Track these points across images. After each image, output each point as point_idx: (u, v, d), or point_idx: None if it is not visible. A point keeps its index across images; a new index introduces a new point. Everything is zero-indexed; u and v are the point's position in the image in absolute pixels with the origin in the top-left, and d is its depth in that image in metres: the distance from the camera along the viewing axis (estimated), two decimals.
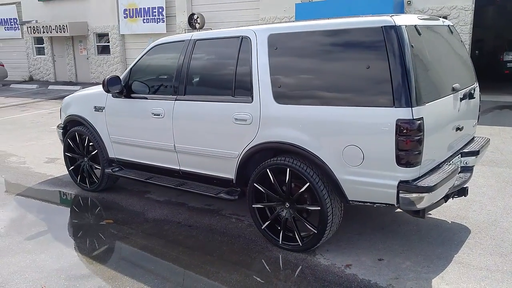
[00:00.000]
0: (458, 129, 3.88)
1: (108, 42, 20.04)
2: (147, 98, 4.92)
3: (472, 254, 3.83)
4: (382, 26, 3.37)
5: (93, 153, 5.65)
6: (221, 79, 4.33)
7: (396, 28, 3.33)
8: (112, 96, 5.23)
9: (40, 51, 22.67)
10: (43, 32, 20.82)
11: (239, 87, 4.13)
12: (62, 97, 5.68)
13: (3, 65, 21.37)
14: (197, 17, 16.67)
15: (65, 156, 6.04)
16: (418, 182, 3.35)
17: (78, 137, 5.77)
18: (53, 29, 20.21)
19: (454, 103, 3.80)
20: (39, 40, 22.57)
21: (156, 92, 4.93)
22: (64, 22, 19.86)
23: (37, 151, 8.24)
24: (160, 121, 4.71)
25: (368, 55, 3.42)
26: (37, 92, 18.72)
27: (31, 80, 22.43)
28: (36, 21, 21.49)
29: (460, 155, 4.02)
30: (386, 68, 3.30)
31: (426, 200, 3.33)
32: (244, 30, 4.20)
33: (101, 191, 5.80)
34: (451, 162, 3.82)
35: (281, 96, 3.84)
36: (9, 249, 4.30)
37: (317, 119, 3.64)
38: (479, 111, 4.48)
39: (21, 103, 15.44)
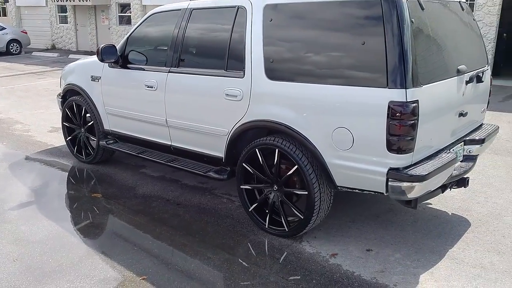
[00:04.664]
0: (461, 114, 3.57)
1: (130, 12, 19.87)
2: (142, 69, 4.73)
3: (467, 250, 3.56)
4: None
5: (90, 124, 5.54)
6: (215, 52, 4.09)
7: (395, 1, 3.02)
8: (108, 66, 5.07)
9: (63, 20, 22.68)
10: (67, 1, 20.79)
11: (231, 61, 3.90)
12: None
13: (26, 32, 21.50)
14: None
15: (63, 126, 5.95)
16: (410, 170, 3.09)
17: (75, 107, 5.66)
18: None
19: (458, 86, 3.48)
20: (63, 9, 22.55)
21: (151, 63, 4.72)
22: None
23: (44, 119, 8.20)
24: (153, 94, 4.53)
25: (365, 30, 3.13)
26: (57, 60, 18.76)
27: (53, 48, 22.52)
28: None
29: (463, 142, 3.72)
30: (382, 45, 3.02)
31: (417, 189, 3.08)
32: None
33: (97, 164, 5.70)
34: (451, 150, 3.52)
35: (273, 72, 3.60)
36: None
37: (307, 98, 3.39)
38: (489, 96, 4.13)
39: (39, 70, 15.49)
